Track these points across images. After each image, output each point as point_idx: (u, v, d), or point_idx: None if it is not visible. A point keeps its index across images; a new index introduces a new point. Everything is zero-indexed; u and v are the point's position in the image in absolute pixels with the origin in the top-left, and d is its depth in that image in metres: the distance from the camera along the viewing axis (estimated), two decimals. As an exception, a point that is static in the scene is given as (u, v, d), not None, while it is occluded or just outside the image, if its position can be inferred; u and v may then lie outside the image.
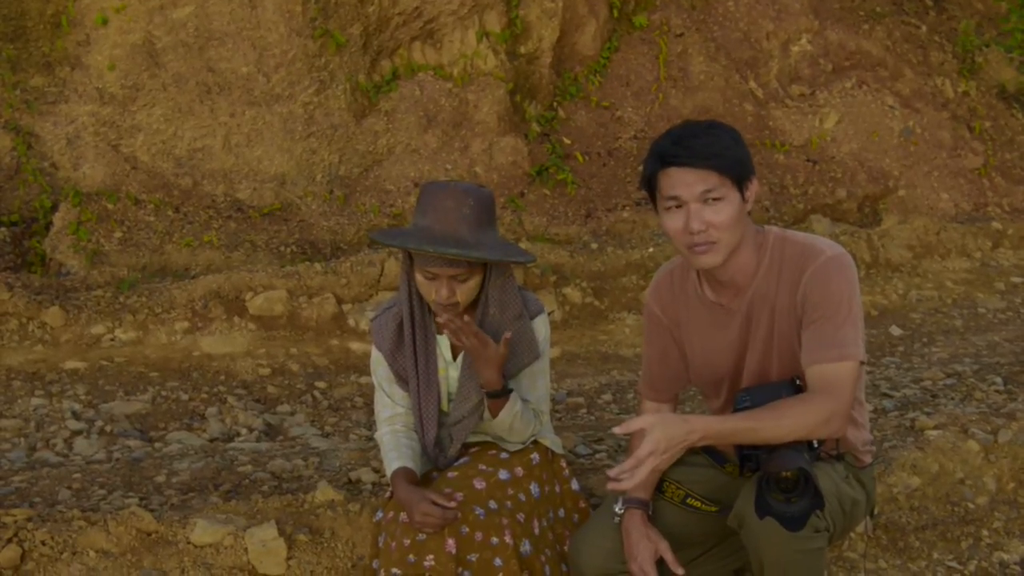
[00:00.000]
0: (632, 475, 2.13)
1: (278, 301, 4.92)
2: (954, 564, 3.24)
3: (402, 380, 2.82)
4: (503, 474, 2.73)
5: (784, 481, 2.22)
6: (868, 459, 2.62)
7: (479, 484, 2.68)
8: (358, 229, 5.73)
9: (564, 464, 2.94)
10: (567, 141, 6.49)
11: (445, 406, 2.83)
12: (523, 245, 5.54)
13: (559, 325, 5.18)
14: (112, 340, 4.70)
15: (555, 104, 6.62)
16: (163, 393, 4.37)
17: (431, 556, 2.52)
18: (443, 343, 2.81)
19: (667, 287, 2.65)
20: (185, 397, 4.35)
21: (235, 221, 5.61)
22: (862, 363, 2.39)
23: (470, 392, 2.73)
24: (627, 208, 6.17)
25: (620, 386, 4.65)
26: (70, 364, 4.54)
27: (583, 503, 2.92)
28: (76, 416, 4.09)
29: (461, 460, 2.82)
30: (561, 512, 2.86)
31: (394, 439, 2.80)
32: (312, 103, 5.89)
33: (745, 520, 2.33)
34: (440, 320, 2.59)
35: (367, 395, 4.39)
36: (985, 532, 3.35)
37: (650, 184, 2.42)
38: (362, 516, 3.02)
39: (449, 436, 2.81)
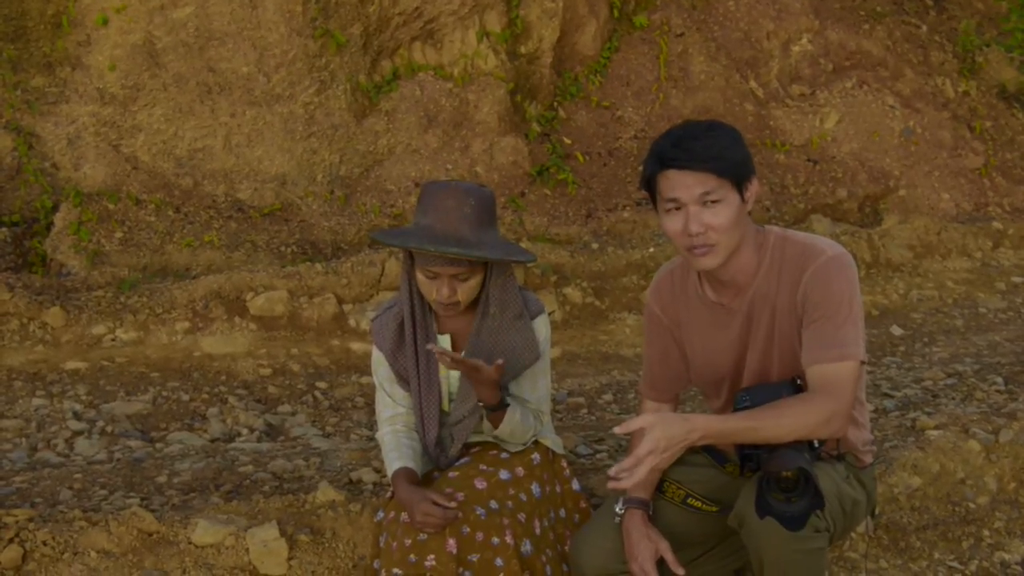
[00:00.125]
0: (631, 474, 2.13)
1: (279, 301, 4.92)
2: (955, 564, 3.24)
3: (403, 380, 2.82)
4: (504, 474, 2.73)
5: (785, 481, 2.22)
6: (869, 459, 2.62)
7: (480, 484, 2.68)
8: (359, 229, 5.74)
9: (565, 464, 2.94)
10: (568, 141, 6.49)
11: (446, 406, 2.83)
12: (524, 245, 5.54)
13: (560, 325, 5.18)
14: (113, 340, 4.70)
15: (556, 104, 6.63)
16: (164, 393, 4.37)
17: (432, 556, 2.52)
18: (444, 342, 2.81)
19: (668, 287, 2.65)
20: (186, 397, 4.35)
21: (236, 221, 5.62)
22: (863, 363, 2.39)
23: (471, 392, 2.74)
24: (628, 208, 6.17)
25: (621, 386, 4.65)
26: (71, 364, 4.54)
27: (584, 503, 2.92)
28: (77, 416, 4.10)
29: (462, 460, 2.83)
30: (562, 512, 2.86)
31: (395, 439, 2.80)
32: (313, 103, 5.89)
33: (745, 520, 2.33)
34: (431, 348, 2.59)
35: (368, 395, 4.39)
36: (986, 532, 3.35)
37: (650, 185, 2.42)
38: (363, 516, 3.02)
39: (450, 436, 2.81)
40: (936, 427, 3.59)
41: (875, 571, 3.18)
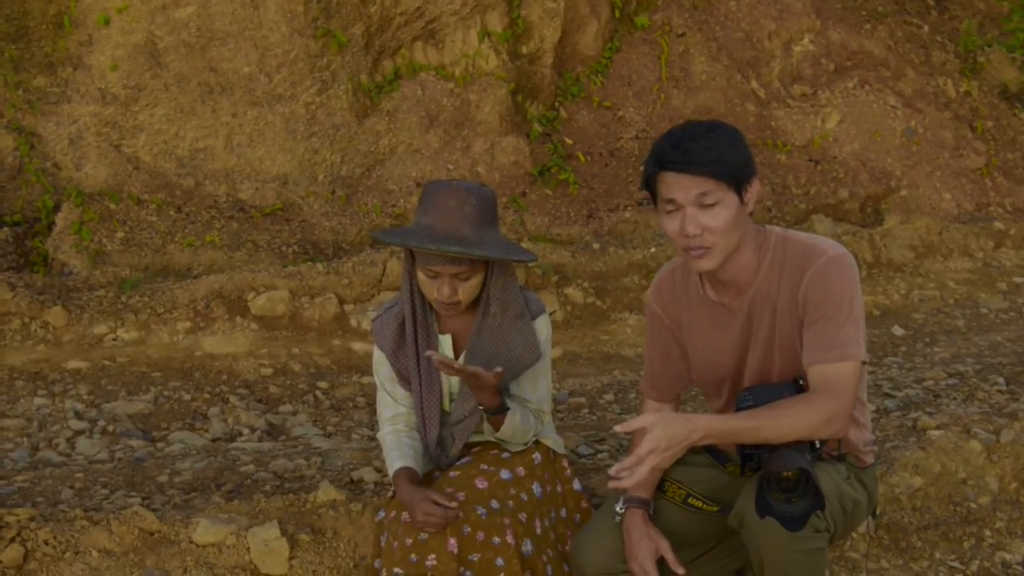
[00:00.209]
0: (632, 473, 2.13)
1: (280, 301, 4.93)
2: (956, 564, 3.23)
3: (404, 380, 2.82)
4: (505, 474, 2.74)
5: (785, 481, 2.22)
6: (870, 459, 2.62)
7: (481, 484, 2.69)
8: (360, 229, 5.74)
9: (566, 464, 2.94)
10: (569, 141, 6.49)
11: (447, 405, 2.83)
12: (525, 245, 5.54)
13: (561, 325, 5.18)
14: (114, 340, 4.71)
15: (557, 104, 6.63)
16: (165, 393, 4.37)
17: (433, 556, 2.53)
18: (445, 343, 2.81)
19: (668, 287, 2.65)
20: (187, 397, 4.35)
21: (237, 221, 5.62)
22: (864, 363, 2.39)
23: (471, 392, 2.74)
24: (629, 208, 6.17)
25: (622, 386, 4.65)
26: (72, 364, 4.54)
27: (585, 503, 2.93)
28: (78, 416, 4.10)
29: (463, 460, 2.83)
30: (563, 512, 2.86)
31: (396, 439, 2.80)
32: (314, 103, 5.89)
33: (745, 520, 2.33)
34: (431, 356, 2.59)
35: (369, 395, 4.40)
36: (987, 532, 3.35)
37: (649, 185, 2.43)
38: (364, 516, 3.02)
39: (451, 435, 2.82)
40: (937, 427, 3.59)
41: (876, 571, 3.18)
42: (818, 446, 2.35)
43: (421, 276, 2.66)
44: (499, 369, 2.58)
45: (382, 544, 2.65)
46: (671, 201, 2.37)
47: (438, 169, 5.98)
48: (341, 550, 2.98)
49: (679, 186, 2.34)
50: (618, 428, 2.19)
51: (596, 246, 5.76)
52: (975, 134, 7.35)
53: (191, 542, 2.92)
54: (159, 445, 3.87)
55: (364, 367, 4.67)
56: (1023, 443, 3.53)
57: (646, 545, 2.53)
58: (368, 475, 3.26)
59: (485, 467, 2.75)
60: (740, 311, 2.51)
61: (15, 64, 5.69)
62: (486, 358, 2.71)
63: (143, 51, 5.73)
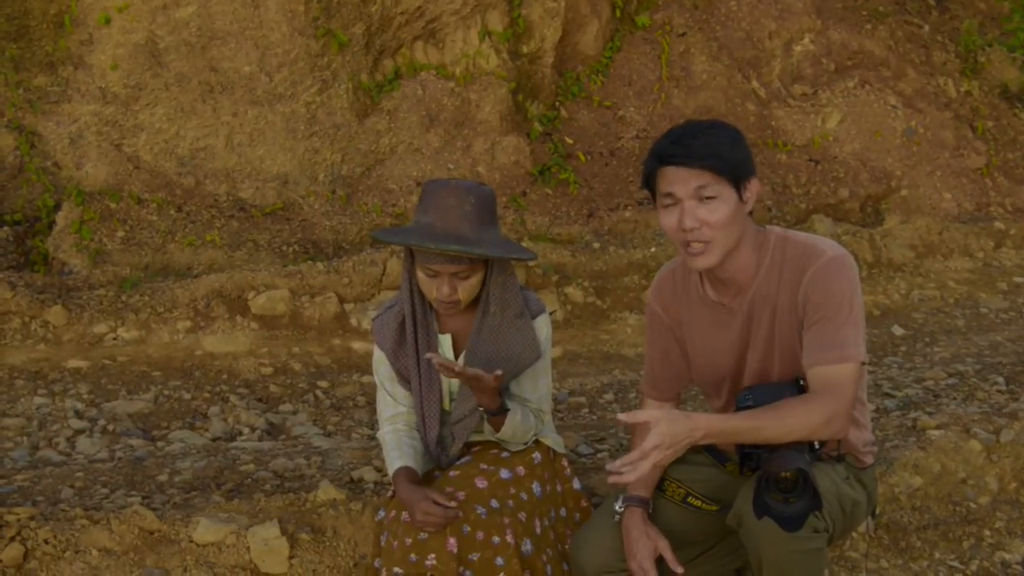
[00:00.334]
0: (635, 468, 2.13)
1: (280, 300, 4.93)
2: (956, 564, 3.24)
3: (404, 379, 2.82)
4: (505, 473, 2.74)
5: (783, 481, 2.22)
6: (869, 460, 2.62)
7: (481, 483, 2.69)
8: (360, 228, 5.74)
9: (566, 463, 2.94)
10: (569, 141, 6.49)
11: (447, 405, 2.83)
12: (525, 244, 5.54)
13: (561, 325, 5.18)
14: (114, 339, 4.71)
15: (557, 104, 6.63)
16: (165, 392, 4.37)
17: (433, 555, 2.53)
18: (445, 342, 2.81)
19: (669, 286, 2.65)
20: (187, 396, 4.35)
21: (237, 220, 5.62)
22: (863, 364, 2.40)
23: (471, 392, 2.74)
24: (629, 208, 6.17)
25: (622, 385, 4.66)
26: (73, 363, 4.55)
27: (585, 502, 2.93)
28: (79, 415, 4.10)
29: (463, 459, 2.83)
30: (563, 511, 2.87)
31: (396, 438, 2.80)
32: (314, 102, 5.89)
33: (744, 520, 2.33)
34: (431, 358, 2.59)
35: (369, 394, 4.40)
36: (987, 532, 3.35)
37: (649, 183, 2.43)
38: (364, 515, 3.02)
39: (451, 435, 2.82)
40: (937, 427, 3.59)
41: (876, 571, 3.18)
42: (817, 447, 2.36)
43: (421, 275, 2.67)
44: (499, 372, 2.59)
45: (382, 543, 2.65)
46: (669, 195, 2.37)
47: (438, 168, 5.99)
48: (341, 549, 2.98)
49: (678, 179, 2.35)
50: (621, 417, 2.19)
51: (596, 245, 5.76)
52: (975, 134, 7.35)
53: (191, 541, 2.92)
54: (159, 444, 3.87)
55: (364, 366, 4.67)
56: (1023, 443, 3.53)
57: (645, 544, 2.53)
58: (368, 474, 3.26)
59: (485, 466, 2.75)
60: (740, 311, 2.51)
61: (16, 63, 5.69)
62: (486, 357, 2.71)
63: (144, 50, 5.73)
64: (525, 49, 6.49)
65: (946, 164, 7.12)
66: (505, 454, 2.81)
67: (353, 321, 4.98)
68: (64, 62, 5.76)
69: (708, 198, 2.34)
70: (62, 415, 4.07)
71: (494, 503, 2.64)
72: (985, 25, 8.07)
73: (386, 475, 3.07)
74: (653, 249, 5.71)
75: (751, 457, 2.33)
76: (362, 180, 5.98)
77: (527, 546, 2.63)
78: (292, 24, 5.83)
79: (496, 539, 2.58)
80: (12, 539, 2.84)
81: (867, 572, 3.17)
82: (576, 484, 2.94)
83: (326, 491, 3.09)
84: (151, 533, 2.93)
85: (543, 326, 2.79)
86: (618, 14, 6.90)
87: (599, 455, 3.52)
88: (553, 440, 2.93)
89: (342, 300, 5.02)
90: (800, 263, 2.43)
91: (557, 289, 5.32)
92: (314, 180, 5.86)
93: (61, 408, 4.13)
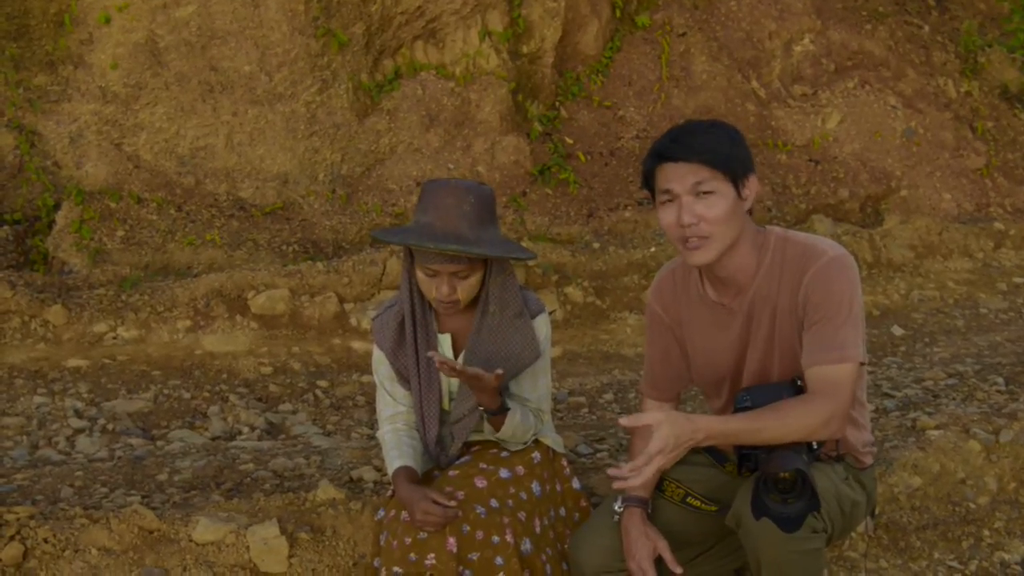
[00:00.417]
0: (641, 473, 2.14)
1: (280, 300, 4.93)
2: (955, 564, 3.24)
3: (404, 379, 2.82)
4: (504, 473, 2.74)
5: (781, 482, 2.22)
6: (869, 460, 2.62)
7: (480, 482, 2.69)
8: (360, 228, 5.74)
9: (565, 463, 2.94)
10: (569, 141, 6.49)
11: (446, 404, 2.83)
12: (525, 244, 5.54)
13: (561, 324, 5.18)
14: (114, 338, 4.71)
15: (557, 103, 6.63)
16: (165, 391, 4.37)
17: (432, 555, 2.53)
18: (444, 342, 2.81)
19: (669, 286, 2.65)
20: (187, 395, 4.36)
21: (237, 220, 5.62)
22: (862, 364, 2.40)
23: (471, 391, 2.74)
24: (629, 208, 6.17)
25: (622, 385, 4.66)
26: (72, 362, 4.55)
27: (584, 502, 2.93)
28: (78, 414, 4.10)
29: (462, 459, 2.83)
30: (562, 511, 2.87)
31: (396, 438, 2.80)
32: (315, 102, 5.89)
33: (743, 520, 2.33)
34: (432, 356, 2.59)
35: (369, 394, 4.40)
36: (986, 532, 3.35)
37: (649, 181, 2.44)
38: (363, 515, 3.02)
39: (450, 434, 2.82)
40: (937, 427, 3.59)
41: (875, 571, 3.18)
42: (816, 447, 2.36)
43: (420, 275, 2.67)
44: (500, 371, 2.59)
45: (381, 543, 2.65)
46: (667, 191, 2.38)
47: (438, 168, 5.99)
48: (340, 549, 2.98)
49: (675, 175, 2.36)
50: (623, 422, 2.19)
51: (596, 245, 5.77)
52: (975, 134, 7.35)
53: (191, 540, 2.92)
54: (159, 443, 3.87)
55: (364, 366, 4.67)
56: (1022, 443, 3.53)
57: (644, 544, 2.53)
58: (367, 474, 3.26)
59: (484, 466, 2.76)
60: (740, 311, 2.51)
61: (16, 62, 5.69)
62: (485, 357, 2.71)
63: (144, 50, 5.73)
64: (525, 49, 6.49)
65: (946, 164, 7.12)
66: (504, 454, 2.81)
67: (353, 321, 4.98)
68: (64, 61, 5.76)
69: (705, 193, 2.35)
70: (62, 414, 4.07)
71: (493, 503, 2.64)
72: (985, 25, 8.07)
73: (386, 475, 3.07)
74: (653, 249, 5.71)
75: (749, 458, 2.34)
76: (362, 180, 5.98)
77: (526, 545, 2.63)
78: (292, 24, 5.83)
79: (495, 538, 2.58)
80: (12, 538, 2.85)
81: (866, 572, 3.17)
82: (575, 484, 2.94)
83: (325, 490, 3.09)
84: (151, 532, 2.93)
85: (542, 326, 2.79)
86: (618, 14, 6.90)
87: (598, 455, 3.52)
88: (552, 440, 2.93)
89: (342, 300, 5.03)
90: (800, 263, 2.43)
91: (557, 289, 5.32)
92: (314, 180, 5.86)
93: (61, 407, 4.13)
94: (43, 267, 5.23)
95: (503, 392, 2.72)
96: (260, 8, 5.80)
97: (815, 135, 6.98)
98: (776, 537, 2.25)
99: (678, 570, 2.53)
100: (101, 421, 4.04)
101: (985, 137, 7.39)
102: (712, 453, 2.68)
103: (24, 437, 3.86)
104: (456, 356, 2.80)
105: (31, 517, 2.92)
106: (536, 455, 2.84)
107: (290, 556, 2.92)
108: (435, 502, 2.55)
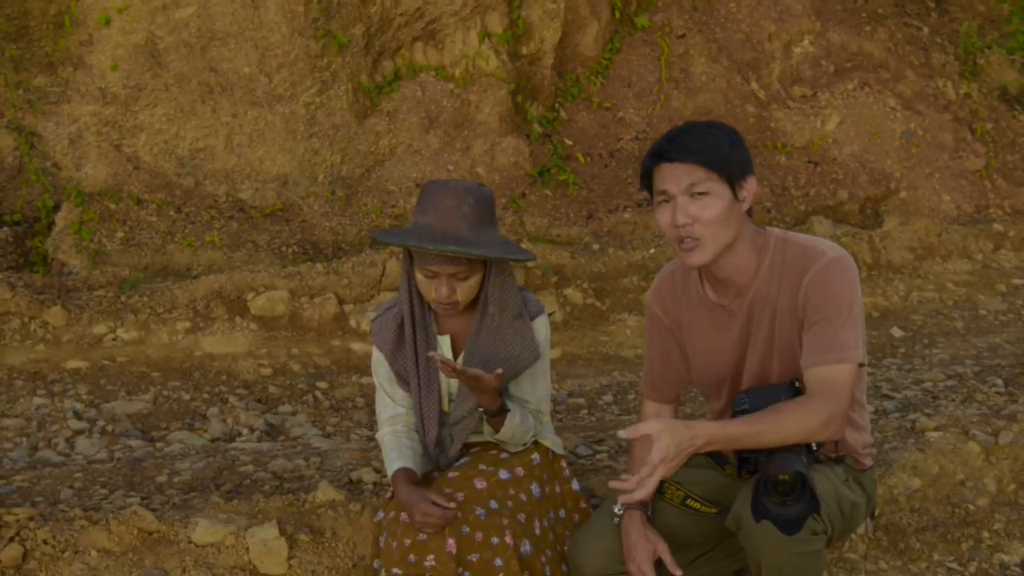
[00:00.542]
0: (645, 484, 2.14)
1: (280, 301, 4.93)
2: (954, 566, 3.24)
3: (403, 380, 2.82)
4: (504, 474, 2.74)
5: (781, 484, 2.22)
6: (869, 462, 2.62)
7: (480, 484, 2.69)
8: (360, 229, 5.74)
9: (565, 464, 2.94)
10: (569, 142, 6.49)
11: (446, 406, 2.83)
12: (524, 246, 5.54)
13: (560, 326, 5.18)
14: (114, 340, 4.71)
15: (557, 105, 6.63)
16: (164, 393, 4.37)
17: (432, 556, 2.53)
18: (444, 343, 2.81)
19: (669, 288, 2.66)
20: (187, 397, 4.35)
21: (237, 221, 5.62)
22: (862, 365, 2.40)
23: (470, 393, 2.74)
24: (628, 209, 6.17)
25: (621, 387, 4.66)
26: (72, 364, 4.55)
27: (584, 503, 2.93)
28: (78, 416, 4.10)
29: (462, 460, 2.83)
30: (562, 512, 2.87)
31: (395, 439, 2.81)
32: (314, 103, 5.90)
33: (743, 522, 2.33)
34: (432, 356, 2.59)
35: (368, 395, 4.40)
36: (986, 534, 3.36)
37: (647, 182, 2.44)
38: (363, 516, 3.02)
39: (450, 436, 2.82)
40: (936, 429, 3.59)
41: (874, 572, 3.18)
42: (815, 448, 2.36)
43: (419, 276, 2.67)
44: (499, 371, 2.59)
45: (381, 544, 2.65)
46: (663, 192, 2.39)
47: (438, 170, 5.99)
48: (340, 550, 2.98)
49: (671, 176, 2.36)
50: (622, 434, 2.19)
51: (596, 247, 5.77)
52: (974, 136, 7.36)
53: (190, 542, 2.92)
54: (158, 445, 3.87)
55: (363, 367, 4.67)
56: (1021, 445, 3.53)
57: (644, 546, 2.53)
58: (367, 475, 3.26)
59: (484, 467, 2.76)
60: (740, 312, 2.51)
61: (15, 64, 5.69)
62: (484, 358, 2.71)
63: (143, 51, 5.73)
64: (525, 50, 6.49)
65: (945, 166, 7.12)
66: (504, 455, 2.81)
67: (352, 322, 4.98)
68: (64, 62, 5.76)
69: (700, 194, 2.35)
70: (61, 416, 4.07)
71: (493, 504, 2.64)
72: (984, 27, 8.08)
73: (385, 476, 3.07)
74: (652, 250, 5.71)
75: (748, 461, 2.33)
76: (361, 181, 5.98)
77: (526, 547, 2.63)
78: (292, 25, 5.83)
79: (495, 540, 2.58)
80: (11, 539, 2.85)
81: (866, 574, 3.17)
82: (575, 485, 2.94)
83: (325, 492, 3.09)
84: (150, 534, 2.93)
85: (542, 327, 2.79)
86: (618, 16, 6.91)
87: (598, 456, 3.52)
88: (552, 441, 2.93)
89: (341, 301, 5.03)
90: (800, 264, 2.43)
91: (556, 290, 5.32)
92: (313, 181, 5.86)
93: (60, 409, 4.13)
94: (43, 268, 5.23)
95: (502, 393, 2.72)
96: (260, 9, 5.80)
97: (814, 136, 6.99)
98: (776, 539, 2.25)
99: (678, 572, 2.53)
100: (100, 423, 4.04)
101: (984, 139, 7.39)
102: (712, 455, 2.67)
103: (24, 439, 3.86)
104: (455, 358, 2.80)
105: (31, 518, 2.92)
106: (535, 456, 2.84)
107: (289, 557, 2.92)
108: (434, 503, 2.55)
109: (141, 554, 2.89)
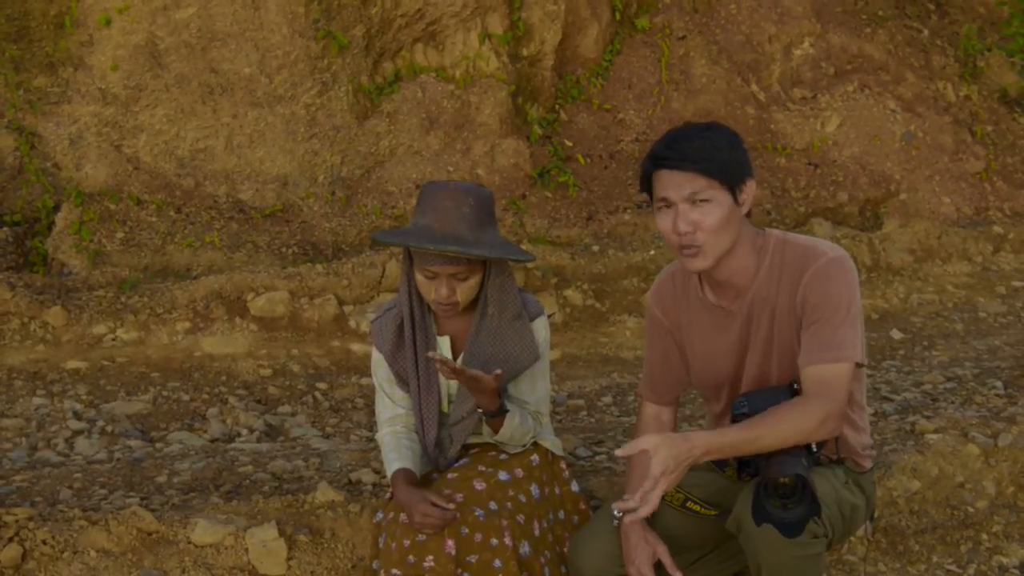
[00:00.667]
0: (648, 500, 2.15)
1: (280, 302, 4.93)
2: (953, 568, 3.24)
3: (402, 381, 2.82)
4: (503, 475, 2.74)
5: (782, 487, 2.22)
6: (868, 464, 2.62)
7: (479, 485, 2.69)
8: (360, 230, 5.74)
9: (564, 466, 2.94)
10: (569, 143, 6.49)
11: (445, 407, 2.83)
12: (524, 247, 5.54)
13: (560, 327, 5.18)
14: (113, 340, 4.71)
15: (557, 106, 6.63)
16: (164, 393, 4.37)
17: (431, 557, 2.53)
18: (443, 344, 2.81)
19: (668, 290, 2.66)
20: (186, 397, 4.35)
21: (237, 222, 5.62)
22: (861, 365, 2.40)
23: (470, 394, 2.74)
24: (628, 211, 6.17)
25: (621, 388, 4.66)
26: (71, 364, 4.55)
27: (583, 505, 2.93)
28: (77, 416, 4.10)
29: (461, 461, 2.83)
30: (561, 514, 2.87)
31: (394, 440, 2.81)
32: (314, 104, 5.90)
33: (743, 525, 2.33)
34: (431, 356, 2.59)
35: (368, 396, 4.40)
36: (985, 536, 3.36)
37: (646, 185, 2.44)
38: (362, 517, 3.02)
39: (449, 437, 2.82)
40: (935, 431, 3.59)
41: (873, 574, 3.18)
42: (815, 450, 2.36)
43: (419, 277, 2.67)
44: (498, 371, 2.59)
45: (380, 545, 2.65)
46: (664, 199, 2.38)
47: (438, 171, 5.99)
48: (339, 551, 2.98)
49: (672, 183, 2.36)
50: (619, 452, 2.20)
51: (595, 248, 5.77)
52: (974, 138, 7.36)
53: (189, 542, 2.92)
54: (158, 445, 3.87)
55: (363, 368, 4.67)
56: (1021, 447, 3.53)
57: (643, 549, 2.53)
58: (366, 476, 3.26)
59: (483, 468, 2.76)
60: (739, 314, 2.51)
61: (16, 64, 5.69)
62: (484, 359, 2.71)
63: (144, 51, 5.73)
64: (525, 52, 6.50)
65: (945, 168, 7.13)
66: (503, 456, 2.81)
67: (352, 323, 4.98)
68: (64, 63, 5.76)
69: (702, 201, 2.35)
70: (61, 416, 4.07)
71: (492, 505, 2.64)
72: (984, 29, 8.08)
73: (384, 477, 3.07)
74: (652, 252, 5.71)
75: (749, 464, 2.34)
76: (362, 182, 5.98)
77: (525, 548, 2.63)
78: (292, 26, 5.83)
79: (494, 541, 2.58)
80: (10, 540, 2.85)
81: (865, 576, 3.17)
82: (574, 486, 2.94)
83: (324, 493, 3.09)
84: (149, 534, 2.93)
85: (541, 328, 2.79)
86: (618, 17, 6.91)
87: (597, 458, 3.52)
88: (551, 442, 2.93)
89: (341, 302, 5.03)
90: (799, 265, 2.43)
91: (556, 292, 5.32)
92: (314, 182, 5.87)
93: (60, 409, 4.13)
94: (42, 269, 5.23)
95: (502, 394, 2.72)
96: (260, 10, 5.80)
97: (814, 138, 6.99)
98: (778, 542, 2.25)
99: (677, 574, 2.53)
100: (100, 423, 4.04)
101: (984, 141, 7.40)
102: (711, 457, 2.67)
103: (23, 439, 3.86)
104: (455, 358, 2.80)
105: (30, 519, 2.92)
106: (535, 458, 2.84)
107: (289, 558, 2.92)
108: (434, 504, 2.55)
109: (140, 554, 2.89)
